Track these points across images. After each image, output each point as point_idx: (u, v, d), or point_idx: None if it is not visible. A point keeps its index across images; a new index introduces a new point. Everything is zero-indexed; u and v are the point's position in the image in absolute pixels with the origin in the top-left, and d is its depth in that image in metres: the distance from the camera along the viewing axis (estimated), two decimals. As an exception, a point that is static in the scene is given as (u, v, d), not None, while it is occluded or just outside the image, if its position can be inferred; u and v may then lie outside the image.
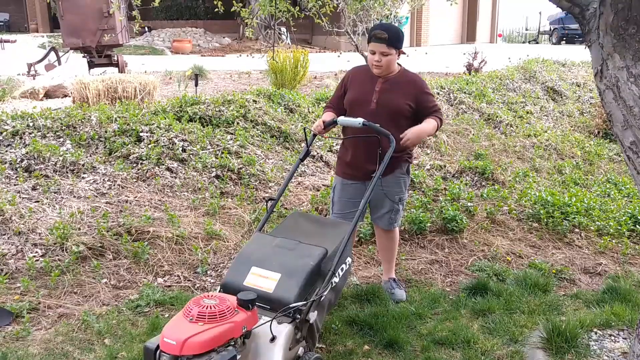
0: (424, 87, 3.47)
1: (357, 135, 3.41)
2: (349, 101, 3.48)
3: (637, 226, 4.85)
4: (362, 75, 3.50)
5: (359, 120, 3.21)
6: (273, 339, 2.51)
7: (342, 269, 2.96)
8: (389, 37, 3.28)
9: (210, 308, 2.35)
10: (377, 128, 3.19)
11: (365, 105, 3.40)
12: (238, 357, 2.36)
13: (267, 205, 3.30)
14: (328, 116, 3.47)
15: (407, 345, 3.18)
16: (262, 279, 2.72)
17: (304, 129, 3.69)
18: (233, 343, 2.38)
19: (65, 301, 3.50)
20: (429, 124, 3.36)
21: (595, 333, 3.33)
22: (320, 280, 2.79)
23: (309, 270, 2.73)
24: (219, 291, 2.76)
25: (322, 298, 2.77)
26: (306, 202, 4.97)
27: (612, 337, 3.29)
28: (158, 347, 2.32)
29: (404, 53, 3.48)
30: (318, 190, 5.23)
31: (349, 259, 3.08)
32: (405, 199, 3.67)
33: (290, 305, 2.59)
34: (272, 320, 2.51)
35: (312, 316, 2.68)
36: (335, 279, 2.88)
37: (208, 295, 2.46)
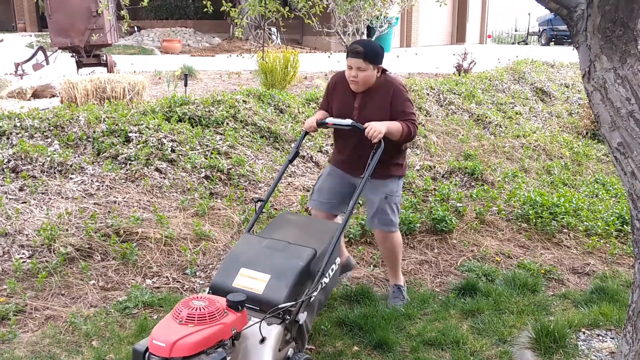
0: (399, 95, 3.35)
1: (347, 129, 3.36)
2: (334, 114, 3.46)
3: (625, 226, 4.89)
4: (344, 87, 3.42)
5: (348, 122, 3.24)
6: (262, 340, 2.51)
7: (332, 270, 2.96)
8: (365, 51, 3.20)
9: (200, 310, 2.34)
10: (363, 128, 3.18)
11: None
12: (228, 358, 2.35)
13: (256, 206, 3.29)
14: (321, 114, 3.49)
15: (396, 346, 3.18)
16: (251, 280, 2.71)
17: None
18: (223, 345, 2.36)
19: (52, 303, 3.47)
20: (393, 123, 3.25)
21: (584, 333, 3.35)
22: (310, 281, 2.79)
23: (298, 271, 2.72)
24: (208, 292, 2.75)
25: (312, 299, 2.77)
26: (296, 203, 4.96)
27: (600, 337, 3.32)
28: (147, 349, 2.30)
29: (385, 70, 3.37)
30: (308, 191, 5.22)
31: (338, 259, 3.08)
32: (397, 202, 3.56)
33: (280, 306, 2.58)
34: (261, 321, 2.51)
35: (302, 317, 2.68)
36: (325, 280, 2.87)
37: (197, 297, 2.45)
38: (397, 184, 3.55)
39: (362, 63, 3.23)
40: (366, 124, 3.17)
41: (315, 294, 2.77)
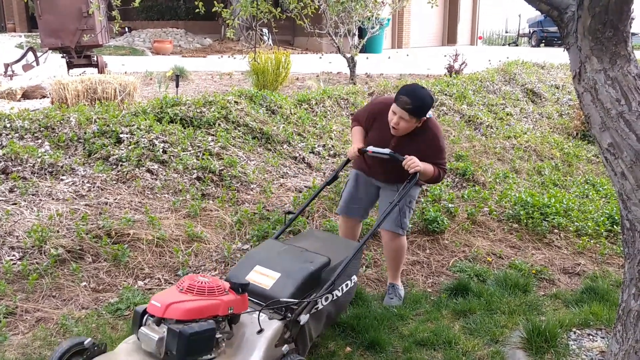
0: (435, 143, 3.42)
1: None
2: (369, 143, 3.54)
3: (615, 227, 4.92)
4: (384, 121, 3.44)
5: (386, 151, 3.39)
6: (260, 330, 2.60)
7: (346, 285, 3.06)
8: (413, 107, 3.24)
9: (201, 283, 2.51)
10: (402, 158, 3.31)
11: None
12: (218, 335, 2.47)
13: (285, 218, 3.52)
14: (360, 140, 3.57)
15: (388, 347, 3.19)
16: (263, 277, 2.88)
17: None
18: (217, 320, 2.48)
19: (43, 305, 3.45)
20: (428, 166, 3.34)
21: (574, 332, 3.38)
22: (319, 287, 2.89)
23: (308, 273, 2.85)
24: None
25: (318, 304, 2.84)
26: (288, 204, 4.96)
27: (591, 337, 3.34)
28: (145, 310, 2.46)
29: (426, 118, 3.39)
30: (300, 192, 5.22)
31: (355, 277, 3.17)
32: (413, 207, 3.75)
33: (280, 300, 2.68)
34: (260, 311, 2.61)
35: (304, 318, 2.74)
36: (337, 292, 2.98)
37: (203, 275, 2.62)
38: (417, 190, 3.75)
39: (407, 115, 3.28)
40: (406, 156, 3.28)
41: (323, 301, 2.86)
